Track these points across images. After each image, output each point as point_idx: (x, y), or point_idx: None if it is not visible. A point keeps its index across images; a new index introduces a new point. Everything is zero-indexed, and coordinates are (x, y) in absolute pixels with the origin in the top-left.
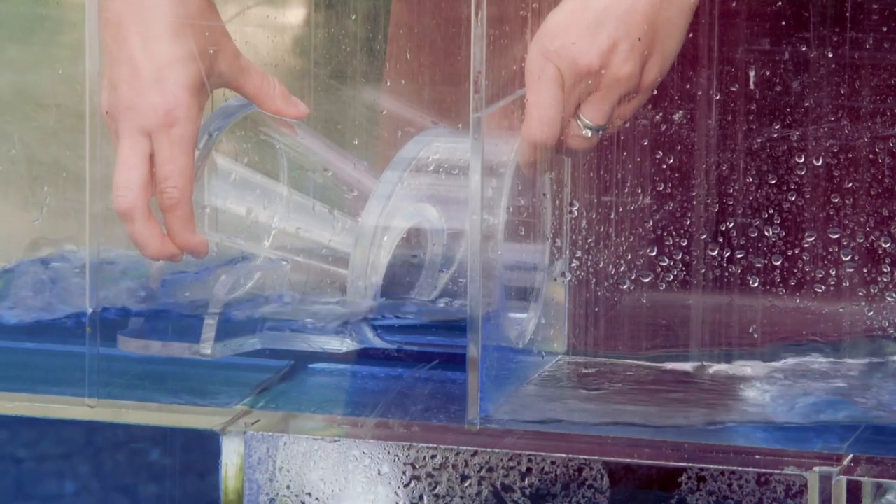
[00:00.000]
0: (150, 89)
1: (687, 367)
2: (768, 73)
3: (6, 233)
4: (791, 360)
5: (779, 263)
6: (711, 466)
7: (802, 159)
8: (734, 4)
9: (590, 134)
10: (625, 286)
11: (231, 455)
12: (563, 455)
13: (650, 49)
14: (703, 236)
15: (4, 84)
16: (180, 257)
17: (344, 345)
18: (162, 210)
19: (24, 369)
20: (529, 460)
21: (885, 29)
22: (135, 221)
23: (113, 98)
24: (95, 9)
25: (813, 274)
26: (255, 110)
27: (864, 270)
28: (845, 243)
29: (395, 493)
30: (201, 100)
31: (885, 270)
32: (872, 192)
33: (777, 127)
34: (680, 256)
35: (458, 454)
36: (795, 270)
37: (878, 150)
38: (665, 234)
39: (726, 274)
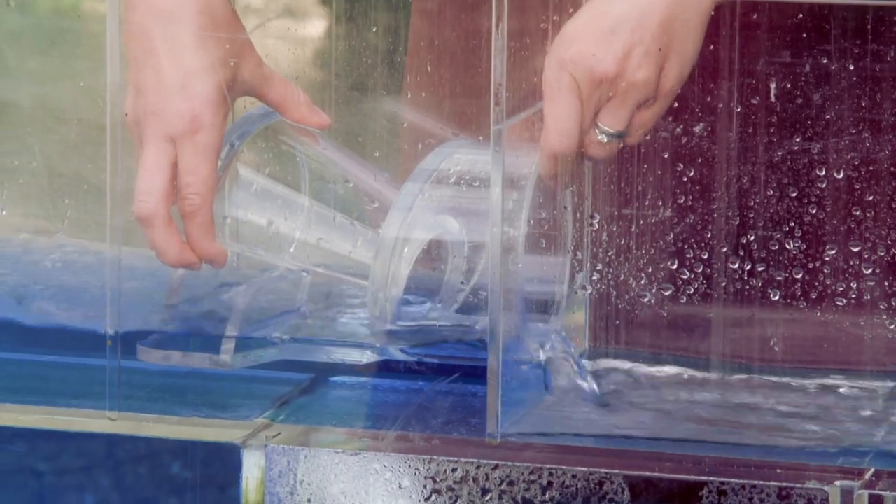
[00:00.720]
0: (175, 96)
1: (708, 379)
2: (789, 85)
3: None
4: (811, 376)
5: (799, 276)
6: (732, 480)
7: (823, 172)
8: (755, 17)
9: (607, 140)
10: (645, 299)
11: (252, 468)
12: (584, 468)
13: (667, 53)
14: (724, 249)
15: (26, 96)
16: (198, 265)
17: (364, 356)
18: (182, 217)
19: (44, 382)
20: (550, 474)
21: None
22: (155, 227)
23: (138, 104)
24: (117, 21)
25: (834, 287)
26: (277, 120)
27: (886, 284)
28: (867, 256)
29: None
30: (225, 108)
31: None
32: (894, 205)
33: (798, 139)
34: (700, 269)
35: (478, 467)
36: (817, 283)
37: None
38: (686, 246)
39: (747, 287)
